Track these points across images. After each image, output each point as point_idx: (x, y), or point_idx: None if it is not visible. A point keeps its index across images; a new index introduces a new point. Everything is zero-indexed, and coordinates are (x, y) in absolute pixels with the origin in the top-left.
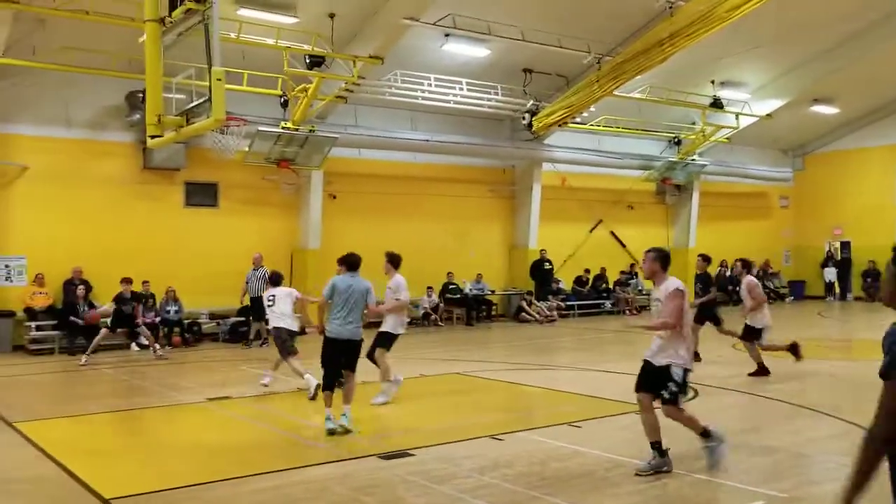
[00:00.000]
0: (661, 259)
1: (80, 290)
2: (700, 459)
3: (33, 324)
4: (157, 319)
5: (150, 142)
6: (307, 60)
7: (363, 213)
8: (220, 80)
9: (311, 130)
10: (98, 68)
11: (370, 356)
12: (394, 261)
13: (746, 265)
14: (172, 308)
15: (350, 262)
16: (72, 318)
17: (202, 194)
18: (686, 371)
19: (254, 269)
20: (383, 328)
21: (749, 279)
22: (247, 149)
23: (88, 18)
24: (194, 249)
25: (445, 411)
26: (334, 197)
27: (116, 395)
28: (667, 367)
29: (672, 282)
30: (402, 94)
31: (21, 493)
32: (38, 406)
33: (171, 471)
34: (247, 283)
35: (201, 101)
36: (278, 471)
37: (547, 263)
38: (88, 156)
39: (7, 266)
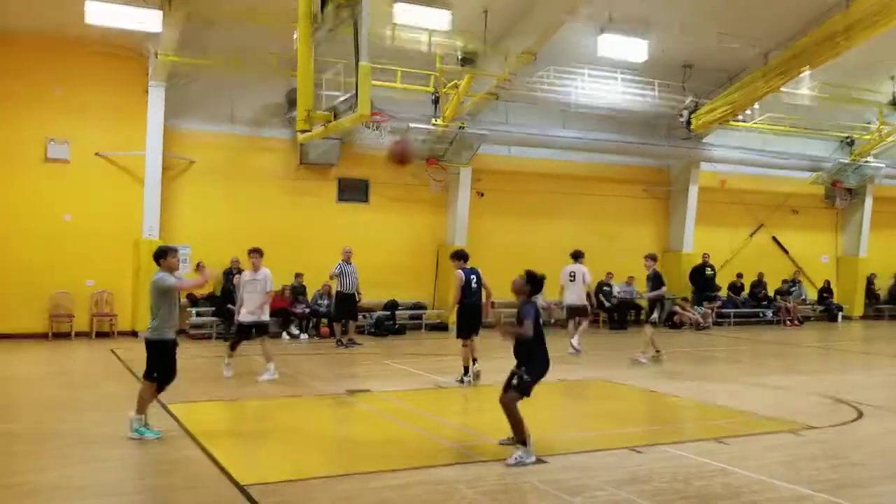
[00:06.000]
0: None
1: (238, 279)
2: (850, 488)
3: (194, 310)
4: (307, 311)
5: (299, 136)
6: (459, 57)
7: (511, 211)
8: (366, 75)
9: (460, 127)
10: (261, 67)
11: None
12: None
13: None
14: (324, 302)
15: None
16: (228, 305)
17: (354, 190)
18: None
19: (346, 263)
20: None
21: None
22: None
23: (253, 20)
24: (345, 244)
25: (584, 419)
26: (482, 194)
27: (263, 383)
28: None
29: None
30: (555, 91)
31: (163, 472)
32: (190, 389)
33: (305, 461)
34: (338, 275)
35: (348, 95)
36: (408, 469)
37: (709, 269)
38: (249, 151)
39: None
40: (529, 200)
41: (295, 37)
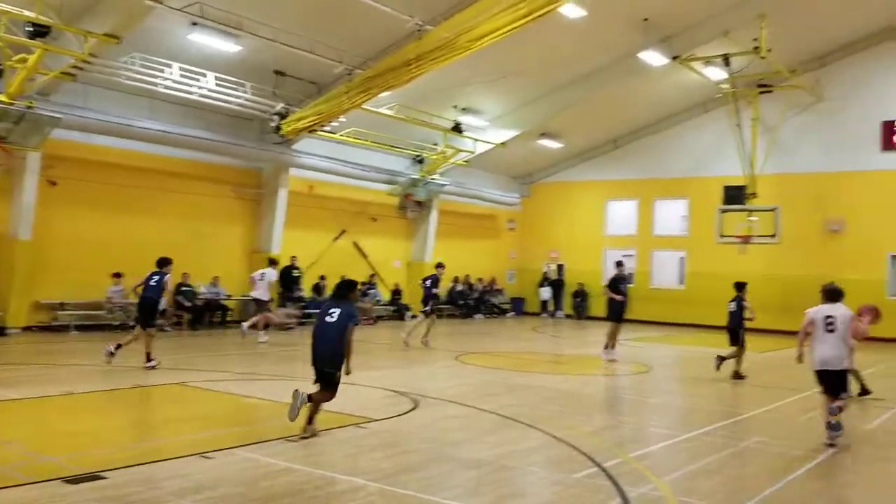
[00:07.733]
0: None
1: None
2: (401, 474)
3: None
4: None
5: None
6: (29, 28)
7: (89, 203)
8: None
9: (28, 106)
10: None
11: None
12: None
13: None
14: None
15: None
16: None
17: None
18: None
19: None
20: None
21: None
22: None
23: None
24: None
25: (154, 427)
26: (54, 183)
27: None
28: None
29: None
30: (141, 79)
31: None
32: None
33: None
34: None
35: None
36: None
37: (295, 270)
38: None
39: None
40: (112, 193)
41: None
